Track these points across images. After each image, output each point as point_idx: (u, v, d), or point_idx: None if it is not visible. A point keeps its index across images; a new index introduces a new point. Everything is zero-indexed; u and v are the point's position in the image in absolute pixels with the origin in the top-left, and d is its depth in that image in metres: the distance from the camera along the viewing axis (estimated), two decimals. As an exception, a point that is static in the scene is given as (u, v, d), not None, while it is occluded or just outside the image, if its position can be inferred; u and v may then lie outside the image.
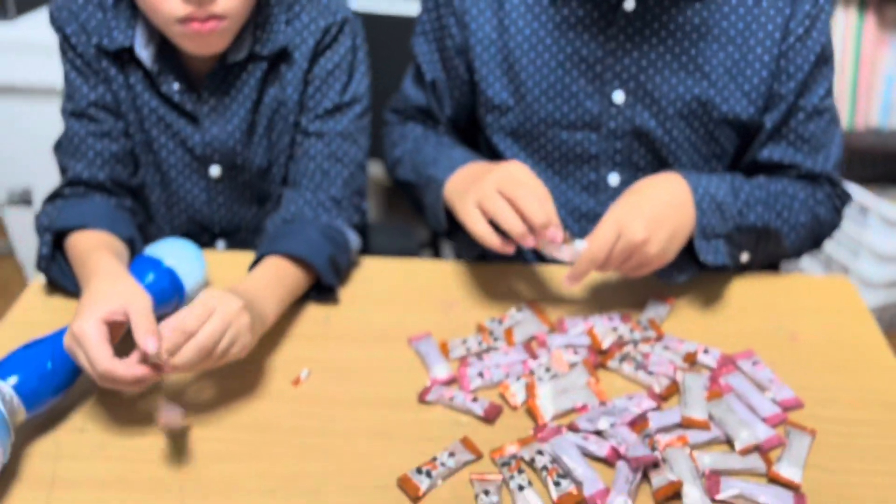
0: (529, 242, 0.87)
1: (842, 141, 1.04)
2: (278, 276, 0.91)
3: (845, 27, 1.92)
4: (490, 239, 0.88)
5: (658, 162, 1.03)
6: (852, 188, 2.00)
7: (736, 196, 0.95)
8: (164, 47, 1.00)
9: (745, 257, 0.99)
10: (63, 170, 1.03)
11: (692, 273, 0.98)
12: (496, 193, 0.87)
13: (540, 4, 0.99)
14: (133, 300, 0.76)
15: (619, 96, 0.99)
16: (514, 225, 0.86)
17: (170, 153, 1.06)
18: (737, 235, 0.96)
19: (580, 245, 0.88)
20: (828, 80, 1.00)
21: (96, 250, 0.88)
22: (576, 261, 0.88)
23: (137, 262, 0.93)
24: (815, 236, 1.05)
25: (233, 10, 0.94)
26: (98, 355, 0.72)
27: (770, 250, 1.01)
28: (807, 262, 2.16)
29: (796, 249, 1.04)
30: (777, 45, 0.96)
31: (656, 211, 0.88)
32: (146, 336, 0.72)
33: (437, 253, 1.69)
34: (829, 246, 2.08)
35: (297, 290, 0.94)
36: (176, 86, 1.02)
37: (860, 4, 1.91)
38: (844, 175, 1.04)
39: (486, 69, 1.02)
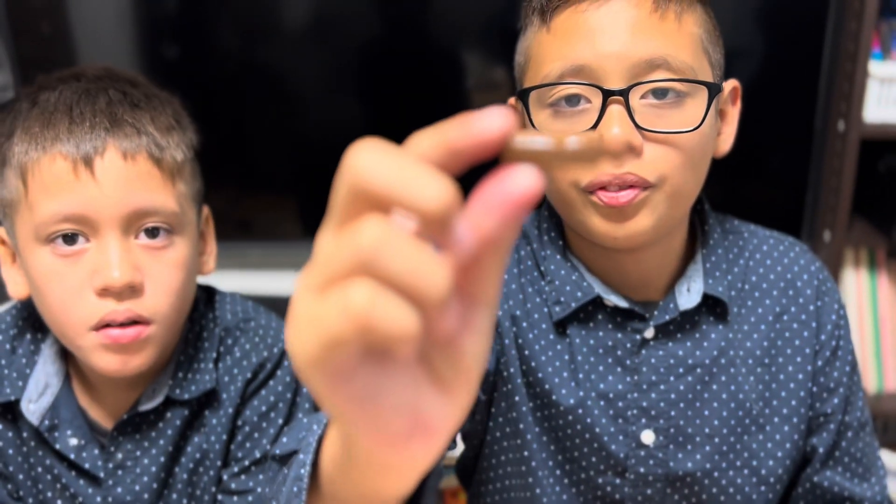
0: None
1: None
2: None
3: (858, 288, 1.88)
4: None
5: None
6: (890, 457, 1.80)
7: None
8: (63, 397, 0.87)
9: None
10: None
11: None
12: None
13: (556, 334, 0.86)
14: None
15: (647, 436, 0.87)
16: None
17: None
18: None
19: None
20: (861, 390, 0.92)
21: None
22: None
23: None
24: None
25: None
26: None
27: None
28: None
29: None
30: (810, 361, 0.88)
31: None
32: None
33: None
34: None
35: None
36: (73, 441, 0.86)
37: (870, 265, 1.89)
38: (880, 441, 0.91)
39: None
